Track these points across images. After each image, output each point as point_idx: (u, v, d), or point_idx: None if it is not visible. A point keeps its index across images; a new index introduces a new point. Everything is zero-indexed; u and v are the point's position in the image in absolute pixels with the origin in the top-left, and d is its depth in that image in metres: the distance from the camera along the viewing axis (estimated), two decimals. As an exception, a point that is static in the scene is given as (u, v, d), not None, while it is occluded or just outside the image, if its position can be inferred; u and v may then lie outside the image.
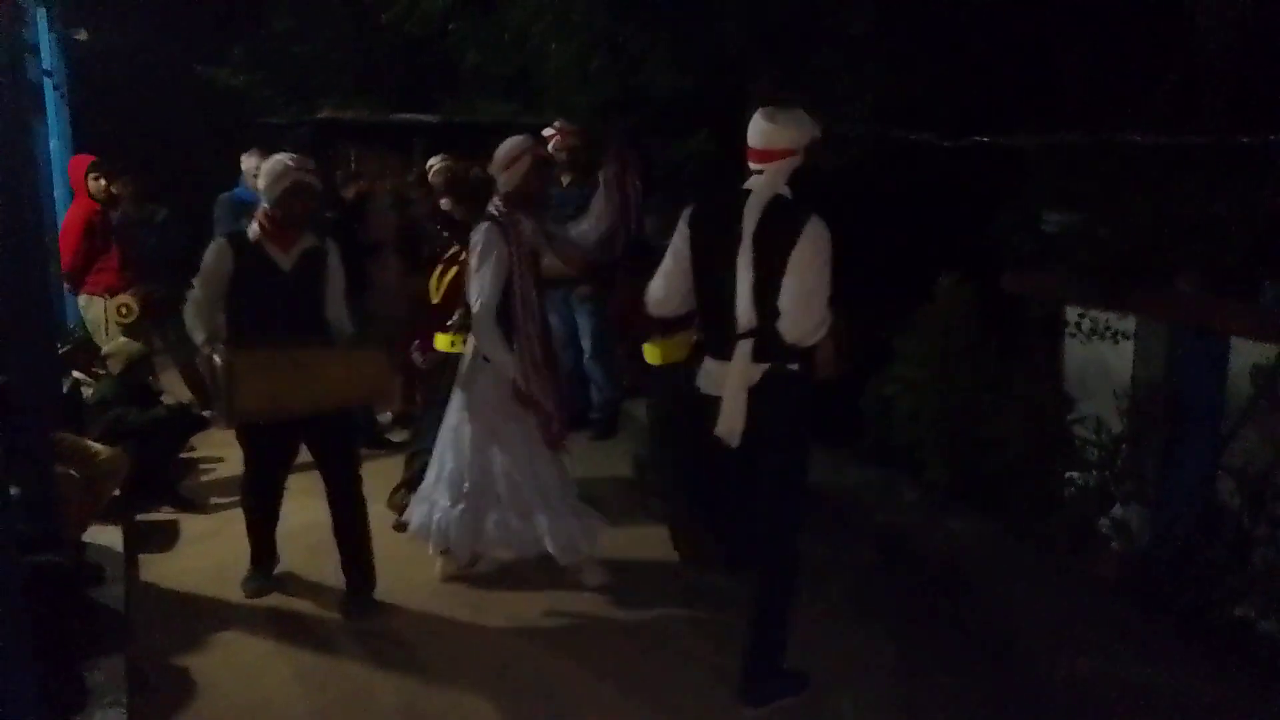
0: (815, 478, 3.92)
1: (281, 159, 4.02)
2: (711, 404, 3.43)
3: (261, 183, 4.04)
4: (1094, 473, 4.46)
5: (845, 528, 4.80)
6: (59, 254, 6.29)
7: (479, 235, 4.06)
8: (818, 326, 3.24)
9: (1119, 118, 4.82)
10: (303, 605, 4.27)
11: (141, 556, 4.67)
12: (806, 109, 3.59)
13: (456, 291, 4.57)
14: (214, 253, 4.01)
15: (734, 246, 3.30)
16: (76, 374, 5.66)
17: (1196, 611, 3.81)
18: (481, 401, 4.18)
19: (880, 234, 5.70)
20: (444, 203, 5.46)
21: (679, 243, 3.52)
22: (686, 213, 3.55)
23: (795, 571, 3.49)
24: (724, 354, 3.38)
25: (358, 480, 4.23)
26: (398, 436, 6.37)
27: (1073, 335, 4.95)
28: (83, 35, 8.22)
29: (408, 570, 4.46)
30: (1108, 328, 4.80)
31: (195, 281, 4.04)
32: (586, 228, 4.50)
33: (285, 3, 11.43)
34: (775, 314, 3.26)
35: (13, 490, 3.23)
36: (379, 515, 4.56)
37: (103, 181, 6.32)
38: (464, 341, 4.35)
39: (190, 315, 4.05)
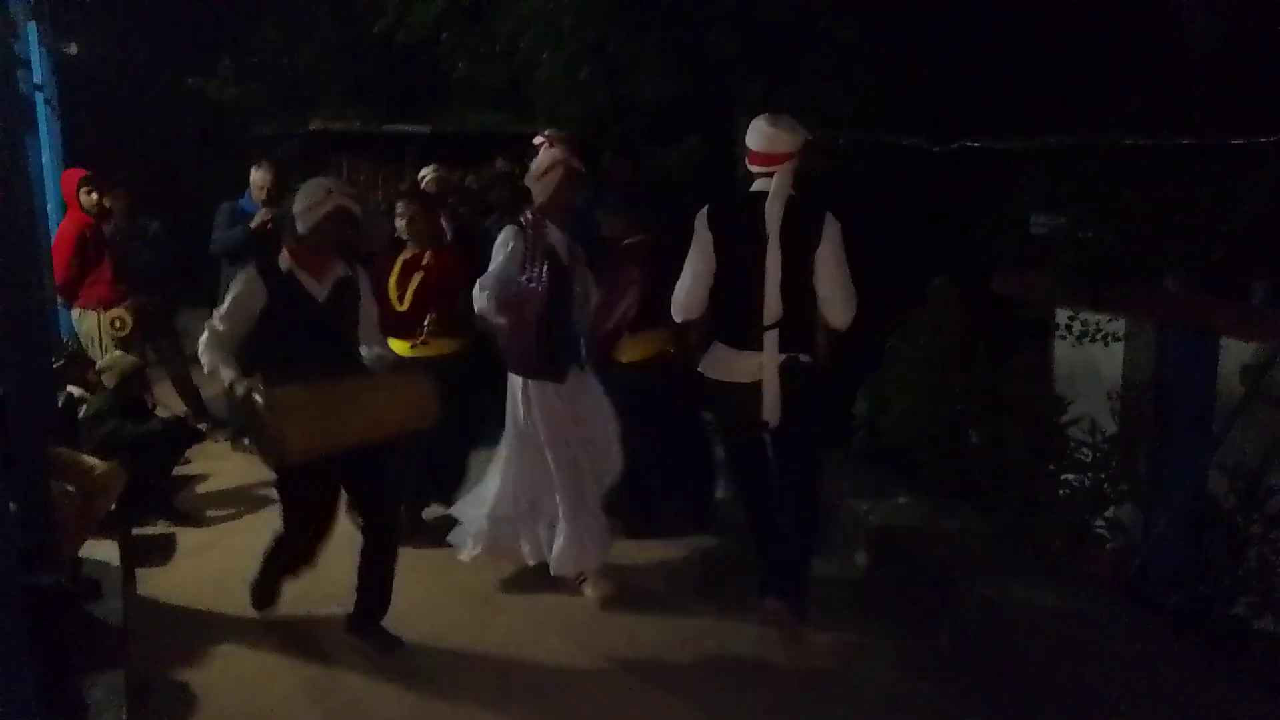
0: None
1: (323, 182, 3.82)
2: (717, 387, 3.84)
3: (297, 206, 3.76)
4: (1088, 473, 4.48)
5: (839, 529, 4.82)
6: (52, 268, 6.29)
7: (502, 236, 4.18)
8: (854, 309, 3.68)
9: (1106, 120, 4.86)
10: (302, 616, 4.25)
11: (139, 570, 4.65)
12: (794, 114, 3.72)
13: (425, 297, 4.73)
14: (245, 284, 3.70)
15: (760, 245, 3.61)
16: (71, 388, 5.64)
17: (1191, 610, 3.84)
18: (525, 419, 4.28)
19: (870, 237, 5.71)
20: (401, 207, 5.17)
21: (703, 246, 3.73)
22: (702, 216, 3.75)
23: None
24: (742, 344, 3.71)
25: (397, 518, 4.18)
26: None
27: (1063, 338, 4.98)
28: (74, 49, 8.20)
29: (404, 580, 4.44)
30: (1098, 329, 4.83)
31: (217, 315, 3.71)
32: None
33: (275, 14, 11.44)
34: (801, 305, 3.66)
35: (10, 505, 3.22)
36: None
37: (95, 195, 6.30)
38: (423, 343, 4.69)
39: (212, 352, 3.64)
